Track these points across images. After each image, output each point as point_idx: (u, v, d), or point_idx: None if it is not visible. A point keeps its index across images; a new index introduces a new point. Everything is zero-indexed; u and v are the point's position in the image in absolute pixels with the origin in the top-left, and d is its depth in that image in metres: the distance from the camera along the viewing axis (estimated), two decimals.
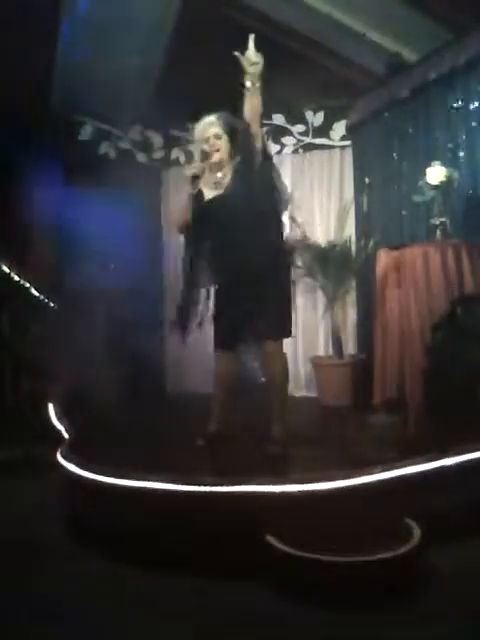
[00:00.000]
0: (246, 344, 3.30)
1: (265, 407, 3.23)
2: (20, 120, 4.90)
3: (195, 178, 3.04)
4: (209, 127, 3.12)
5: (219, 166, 3.12)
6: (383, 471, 2.59)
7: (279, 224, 3.17)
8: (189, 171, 3.08)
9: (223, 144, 3.10)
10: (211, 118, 3.13)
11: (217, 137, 3.10)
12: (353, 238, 5.28)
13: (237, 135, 3.06)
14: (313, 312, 5.52)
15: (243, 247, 3.00)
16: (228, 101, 3.09)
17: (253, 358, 3.50)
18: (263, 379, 3.40)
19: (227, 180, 3.10)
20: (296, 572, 2.24)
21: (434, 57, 4.54)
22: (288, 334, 3.16)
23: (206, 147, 3.12)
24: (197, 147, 3.27)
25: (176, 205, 3.27)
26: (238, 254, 3.02)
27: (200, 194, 3.11)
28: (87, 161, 5.64)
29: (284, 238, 3.26)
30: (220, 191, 3.11)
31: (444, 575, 2.31)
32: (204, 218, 3.10)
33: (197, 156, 3.25)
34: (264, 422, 3.20)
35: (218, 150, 3.10)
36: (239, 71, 2.93)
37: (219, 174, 3.12)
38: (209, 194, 3.12)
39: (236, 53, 2.88)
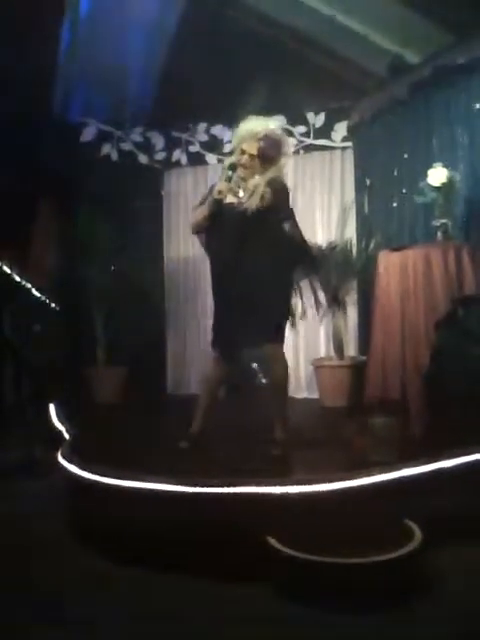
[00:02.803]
0: (242, 347, 3.31)
1: (265, 408, 3.24)
2: (22, 122, 4.90)
3: (220, 195, 3.03)
4: (250, 139, 3.07)
5: (241, 179, 3.09)
6: (383, 473, 2.59)
7: (284, 246, 3.12)
8: (217, 189, 3.04)
9: (254, 165, 3.07)
10: (257, 130, 3.06)
11: (251, 158, 3.06)
12: (354, 239, 5.27)
13: (273, 159, 3.04)
14: (314, 314, 5.51)
15: (243, 256, 3.02)
16: (229, 100, 3.09)
17: (253, 360, 3.50)
18: (264, 380, 3.41)
19: (246, 197, 3.07)
20: (296, 574, 2.24)
21: (435, 58, 4.54)
22: (280, 340, 3.13)
23: (237, 158, 3.10)
24: (235, 143, 3.19)
25: (196, 208, 3.24)
26: (237, 261, 3.04)
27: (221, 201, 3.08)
28: (89, 162, 5.65)
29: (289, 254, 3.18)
30: (236, 201, 3.09)
31: (444, 577, 2.31)
32: (216, 219, 3.11)
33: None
34: (263, 423, 3.20)
35: (246, 168, 3.08)
36: (240, 71, 2.93)
37: (240, 191, 3.08)
38: (227, 199, 3.09)
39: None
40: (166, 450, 3.29)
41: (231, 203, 3.09)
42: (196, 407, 3.30)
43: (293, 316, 3.24)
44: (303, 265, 3.14)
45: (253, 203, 2.99)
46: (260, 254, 3.03)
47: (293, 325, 3.28)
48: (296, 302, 3.38)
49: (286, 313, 3.20)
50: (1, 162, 4.70)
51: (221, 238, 3.12)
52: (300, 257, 3.17)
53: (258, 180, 3.06)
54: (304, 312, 3.34)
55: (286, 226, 3.09)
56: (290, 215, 3.14)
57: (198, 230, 3.25)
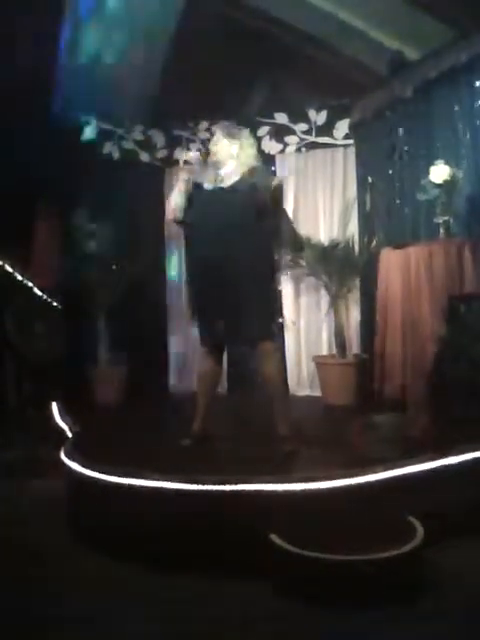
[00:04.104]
0: (230, 345, 3.31)
1: (267, 404, 3.24)
2: (22, 121, 4.90)
3: (186, 163, 3.18)
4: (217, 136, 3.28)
5: (219, 164, 3.21)
6: (386, 470, 2.58)
7: (267, 237, 3.17)
8: (182, 157, 3.26)
9: (220, 147, 3.20)
10: (216, 128, 3.31)
11: (214, 143, 3.25)
12: (356, 237, 5.27)
13: (237, 137, 3.21)
14: (316, 311, 5.51)
15: (224, 245, 3.04)
16: (230, 100, 3.13)
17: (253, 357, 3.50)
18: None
19: (229, 180, 3.16)
20: (298, 571, 2.24)
21: (436, 55, 4.52)
22: (270, 337, 3.15)
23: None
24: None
25: (172, 195, 3.36)
26: (218, 252, 3.05)
27: (199, 186, 3.20)
28: (91, 161, 5.64)
29: (271, 248, 3.24)
30: (220, 185, 3.17)
31: (446, 574, 2.30)
32: (197, 204, 3.17)
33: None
34: (265, 419, 3.20)
35: (218, 150, 3.21)
36: (241, 69, 2.95)
37: (221, 171, 3.19)
38: (208, 187, 3.19)
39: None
40: (168, 448, 3.29)
41: (211, 189, 3.16)
42: (196, 405, 3.32)
43: (282, 314, 3.25)
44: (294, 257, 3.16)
45: (233, 180, 3.10)
46: (243, 245, 3.04)
47: (284, 323, 3.31)
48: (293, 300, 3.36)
49: (274, 311, 3.22)
50: (1, 162, 4.70)
51: (202, 223, 3.14)
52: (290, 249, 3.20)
53: (235, 162, 3.17)
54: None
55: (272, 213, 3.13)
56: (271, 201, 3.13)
57: (178, 216, 3.26)
